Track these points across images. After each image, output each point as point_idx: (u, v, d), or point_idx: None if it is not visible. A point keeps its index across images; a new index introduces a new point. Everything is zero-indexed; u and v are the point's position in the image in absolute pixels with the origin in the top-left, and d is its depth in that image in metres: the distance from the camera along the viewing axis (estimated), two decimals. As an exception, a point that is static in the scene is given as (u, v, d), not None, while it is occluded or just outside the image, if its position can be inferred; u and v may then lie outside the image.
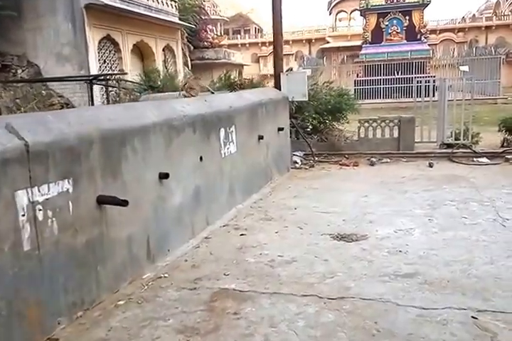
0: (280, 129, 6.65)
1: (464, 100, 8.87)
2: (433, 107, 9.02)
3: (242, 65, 30.89)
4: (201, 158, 4.46)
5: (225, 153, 4.95)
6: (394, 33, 25.30)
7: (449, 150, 8.38)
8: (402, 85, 21.14)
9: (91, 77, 9.04)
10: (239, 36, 54.19)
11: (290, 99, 7.34)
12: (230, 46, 49.54)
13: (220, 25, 50.24)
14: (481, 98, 21.05)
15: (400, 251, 3.82)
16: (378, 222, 4.65)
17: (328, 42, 49.48)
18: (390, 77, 22.29)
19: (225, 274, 3.52)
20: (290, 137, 8.59)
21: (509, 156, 7.93)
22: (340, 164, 8.04)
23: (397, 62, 23.38)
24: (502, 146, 8.67)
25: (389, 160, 8.28)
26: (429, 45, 48.51)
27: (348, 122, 9.14)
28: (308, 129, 9.08)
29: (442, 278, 3.31)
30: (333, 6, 50.88)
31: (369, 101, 21.95)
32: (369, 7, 25.18)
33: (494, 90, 21.51)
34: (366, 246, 3.97)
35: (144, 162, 3.63)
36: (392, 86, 21.98)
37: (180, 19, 17.30)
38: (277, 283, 3.32)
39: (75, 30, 11.00)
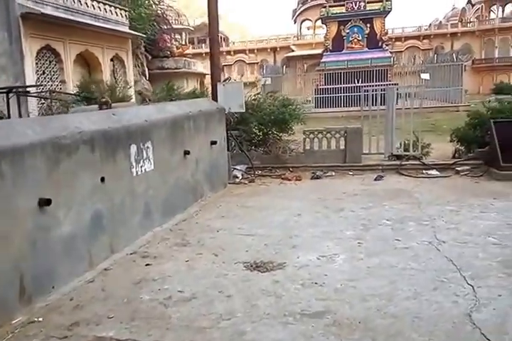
0: (213, 143, 6.20)
1: (412, 108, 8.59)
2: (381, 116, 8.75)
3: (203, 74, 30.39)
4: (103, 179, 3.96)
5: (137, 172, 4.46)
6: (355, 40, 25.36)
7: (398, 162, 8.11)
8: (364, 93, 21.05)
9: (6, 89, 8.37)
10: (203, 45, 53.76)
11: (227, 111, 6.92)
12: (194, 55, 49.17)
13: (186, 35, 49.97)
14: (443, 106, 21.28)
15: (316, 284, 3.40)
16: (302, 247, 4.24)
17: (292, 51, 49.63)
18: (350, 85, 22.20)
19: (108, 317, 3.02)
20: (232, 150, 8.21)
21: (459, 168, 7.69)
22: (282, 178, 7.64)
23: (358, 70, 23.38)
24: (453, 157, 8.46)
25: (334, 174, 7.94)
26: (394, 52, 49.39)
27: (293, 133, 8.75)
28: (254, 141, 8.69)
29: (354, 317, 2.90)
30: (298, 15, 51.17)
31: (330, 109, 21.88)
32: (329, 15, 25.21)
33: (457, 97, 21.63)
34: (280, 277, 3.54)
35: (15, 188, 3.11)
36: (353, 94, 21.90)
37: (135, 28, 16.76)
38: (164, 328, 2.85)
39: (10, 39, 10.36)
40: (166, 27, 27.09)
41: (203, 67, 31.05)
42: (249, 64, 53.03)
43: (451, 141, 8.44)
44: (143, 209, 4.59)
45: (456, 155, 8.37)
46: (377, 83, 21.78)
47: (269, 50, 52.91)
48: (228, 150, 8.05)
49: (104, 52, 12.59)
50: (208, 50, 46.88)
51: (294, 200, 6.14)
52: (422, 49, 47.87)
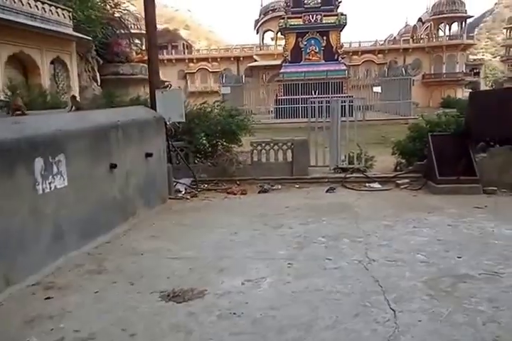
0: (149, 155, 5.92)
1: (356, 121, 8.62)
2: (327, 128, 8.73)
3: (163, 81, 29.89)
4: (-7, 199, 3.53)
5: (44, 189, 3.97)
6: (312, 52, 25.67)
7: (343, 175, 8.08)
8: (311, 105, 21.30)
9: None
10: (165, 51, 53.21)
11: (167, 120, 6.67)
12: (156, 62, 48.39)
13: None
14: (393, 118, 21.75)
15: (234, 314, 3.19)
16: (230, 270, 4.04)
17: (255, 61, 49.85)
18: (307, 96, 22.32)
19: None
20: (177, 162, 7.96)
21: (399, 181, 7.75)
22: (227, 192, 7.46)
23: (315, 81, 23.66)
24: (395, 170, 8.54)
25: (280, 187, 7.83)
26: (352, 65, 50.66)
27: (241, 145, 8.59)
28: (201, 153, 8.47)
29: (267, 354, 2.72)
30: (260, 25, 51.58)
31: (289, 120, 21.95)
32: (288, 26, 25.42)
33: (406, 110, 22.20)
34: (197, 307, 3.30)
35: None
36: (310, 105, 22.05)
37: (85, 31, 16.18)
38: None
39: None
40: (122, 31, 26.61)
41: (161, 73, 30.67)
42: (212, 72, 52.79)
43: (392, 154, 8.52)
44: (52, 232, 4.10)
45: (398, 168, 8.44)
46: (333, 95, 22.15)
47: (232, 59, 52.92)
48: (171, 162, 7.81)
49: (43, 54, 11.83)
50: (170, 57, 46.42)
51: (235, 216, 5.96)
52: (377, 63, 49.45)
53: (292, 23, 25.33)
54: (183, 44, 57.31)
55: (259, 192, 7.54)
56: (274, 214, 6.05)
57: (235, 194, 7.35)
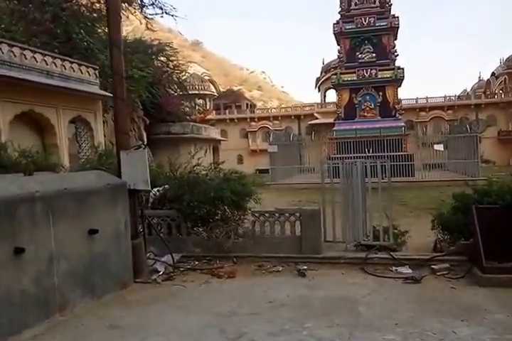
0: (94, 232, 4.80)
1: (380, 183, 6.91)
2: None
3: (217, 140, 29.89)
4: None
5: None
6: (367, 108, 24.40)
7: (364, 255, 6.45)
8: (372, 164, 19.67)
9: None
10: (228, 111, 54.68)
11: (132, 187, 5.57)
12: (218, 121, 49.82)
13: (210, 100, 50.95)
14: (460, 179, 19.46)
15: None
16: None
17: (316, 118, 49.49)
18: (360, 154, 20.87)
19: None
20: (169, 234, 6.86)
21: (436, 266, 5.96)
22: (212, 274, 6.10)
23: (370, 139, 22.21)
24: (434, 249, 6.77)
25: (281, 269, 6.34)
26: (419, 122, 48.64)
27: (243, 215, 7.23)
28: (198, 222, 7.27)
29: None
30: (321, 83, 51.65)
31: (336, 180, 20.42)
32: (341, 82, 24.57)
33: (474, 170, 19.86)
34: None
35: None
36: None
37: (129, 90, 16.26)
38: None
39: None
40: (178, 91, 27.18)
41: (216, 133, 30.66)
42: (275, 130, 53.24)
43: (432, 228, 6.79)
44: None
45: (438, 246, 6.68)
46: (390, 153, 20.51)
47: (293, 117, 53.09)
48: (150, 234, 6.69)
49: (59, 112, 11.40)
50: (232, 116, 47.33)
51: (192, 314, 4.57)
52: (447, 119, 47.05)
53: (345, 79, 24.43)
54: (247, 103, 58.67)
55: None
56: (246, 312, 4.58)
57: (220, 277, 5.97)
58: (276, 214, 6.92)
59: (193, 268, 6.39)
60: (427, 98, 50.53)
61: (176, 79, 27.11)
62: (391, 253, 6.45)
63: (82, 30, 16.72)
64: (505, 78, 50.81)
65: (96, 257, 4.89)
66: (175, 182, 7.10)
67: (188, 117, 27.98)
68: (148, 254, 6.29)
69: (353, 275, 5.97)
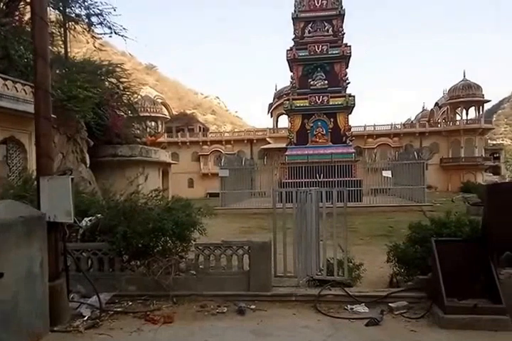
0: (-1, 276, 3.98)
1: (335, 208, 6.42)
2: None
3: (167, 163, 28.91)
4: None
5: None
6: (319, 134, 24.50)
7: (316, 292, 5.90)
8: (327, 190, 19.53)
9: None
10: (180, 134, 53.84)
11: (52, 219, 4.79)
12: (170, 144, 48.85)
13: (162, 123, 49.82)
14: (406, 204, 19.66)
15: None
16: None
17: (269, 143, 49.63)
18: (311, 179, 20.71)
19: None
20: (100, 270, 6.04)
21: (393, 305, 5.49)
22: (146, 319, 5.32)
23: (321, 164, 22.16)
24: (390, 283, 6.34)
25: (225, 310, 5.65)
26: (367, 148, 49.87)
27: (185, 247, 6.53)
28: (133, 257, 6.48)
29: None
30: (274, 109, 52.11)
31: (289, 205, 20.07)
32: (293, 108, 24.61)
33: (420, 196, 20.15)
34: None
35: None
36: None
37: (70, 111, 15.29)
38: None
39: None
40: (129, 113, 26.19)
41: (167, 156, 29.72)
42: (226, 154, 52.86)
43: (387, 261, 6.36)
44: None
45: (395, 280, 6.25)
46: (340, 178, 20.51)
47: (245, 141, 52.97)
48: (78, 271, 5.85)
49: None
50: (184, 139, 46.32)
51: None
52: (393, 146, 48.73)
53: (298, 105, 24.51)
54: (200, 127, 58.14)
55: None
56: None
57: (155, 322, 5.20)
58: (223, 247, 6.28)
59: (125, 312, 5.57)
60: (374, 126, 52.08)
61: (126, 101, 26.22)
62: (346, 289, 5.94)
63: (22, 47, 15.77)
64: (447, 108, 53.40)
65: (-1, 305, 4.04)
66: (107, 211, 6.33)
67: (138, 139, 26.97)
68: (71, 296, 5.44)
69: (305, 315, 5.39)
